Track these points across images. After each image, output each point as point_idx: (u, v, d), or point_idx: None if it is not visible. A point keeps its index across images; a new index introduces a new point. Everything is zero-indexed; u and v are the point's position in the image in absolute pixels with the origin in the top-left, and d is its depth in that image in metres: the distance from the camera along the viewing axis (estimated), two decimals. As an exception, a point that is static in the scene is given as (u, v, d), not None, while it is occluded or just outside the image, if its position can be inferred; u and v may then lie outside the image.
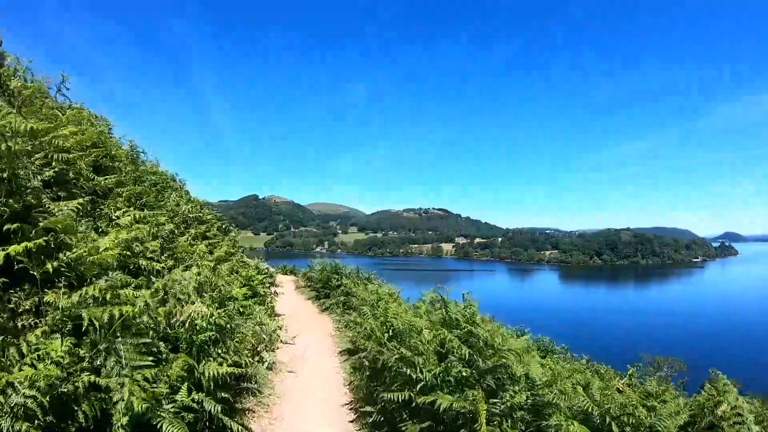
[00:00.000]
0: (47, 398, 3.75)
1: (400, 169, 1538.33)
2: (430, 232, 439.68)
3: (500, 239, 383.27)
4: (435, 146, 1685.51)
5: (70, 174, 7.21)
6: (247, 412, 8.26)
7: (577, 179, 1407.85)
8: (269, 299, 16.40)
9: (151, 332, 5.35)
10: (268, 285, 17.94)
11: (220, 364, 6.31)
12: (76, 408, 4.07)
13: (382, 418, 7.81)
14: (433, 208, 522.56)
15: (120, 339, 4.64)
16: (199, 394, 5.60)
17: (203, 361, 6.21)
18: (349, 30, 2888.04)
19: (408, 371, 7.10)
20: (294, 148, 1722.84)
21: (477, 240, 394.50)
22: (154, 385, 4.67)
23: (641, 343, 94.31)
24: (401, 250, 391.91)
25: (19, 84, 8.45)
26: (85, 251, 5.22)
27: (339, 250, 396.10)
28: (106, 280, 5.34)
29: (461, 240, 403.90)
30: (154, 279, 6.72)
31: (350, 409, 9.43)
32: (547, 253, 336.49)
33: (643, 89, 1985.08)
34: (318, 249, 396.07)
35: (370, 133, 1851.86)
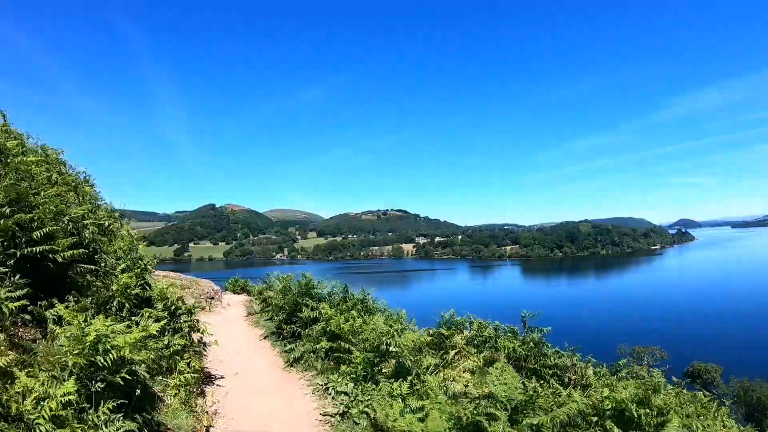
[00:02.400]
0: None
1: (356, 173, 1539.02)
2: (389, 234, 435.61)
3: (460, 237, 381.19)
4: (391, 148, 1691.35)
5: None
6: None
7: (534, 175, 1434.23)
8: (190, 354, 9.71)
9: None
10: (189, 325, 10.72)
11: None
12: None
13: None
14: (392, 210, 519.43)
15: None
16: None
17: None
18: (301, 32, 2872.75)
19: None
20: (249, 156, 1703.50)
21: (437, 239, 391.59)
22: None
23: (616, 334, 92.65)
24: (362, 253, 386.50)
25: None
26: None
27: (299, 256, 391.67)
28: None
29: (421, 240, 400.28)
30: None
31: None
32: (508, 248, 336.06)
33: (596, 88, 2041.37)
34: (278, 256, 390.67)
35: (325, 138, 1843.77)
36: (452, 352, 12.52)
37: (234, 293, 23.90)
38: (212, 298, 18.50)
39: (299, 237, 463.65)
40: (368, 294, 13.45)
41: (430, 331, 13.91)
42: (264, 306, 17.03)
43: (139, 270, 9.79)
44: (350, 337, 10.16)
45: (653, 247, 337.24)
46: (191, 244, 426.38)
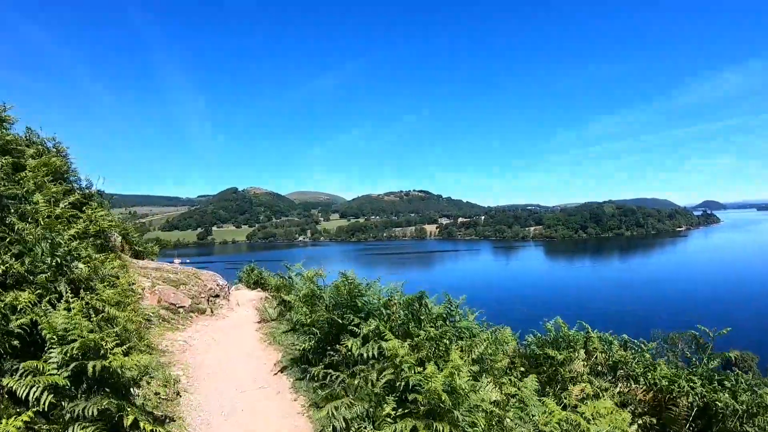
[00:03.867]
0: None
1: (378, 154, 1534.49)
2: (412, 215, 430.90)
3: (483, 218, 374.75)
4: (413, 129, 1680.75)
5: None
6: None
7: (556, 156, 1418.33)
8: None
9: None
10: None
11: None
12: None
13: None
14: (414, 191, 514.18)
15: None
16: None
17: None
18: (322, 16, 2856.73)
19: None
20: (271, 139, 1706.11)
21: (460, 220, 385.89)
22: None
23: (649, 317, 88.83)
24: (384, 234, 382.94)
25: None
26: None
27: (322, 238, 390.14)
28: None
29: (444, 221, 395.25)
30: None
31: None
32: (532, 229, 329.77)
33: (620, 70, 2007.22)
34: (301, 238, 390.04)
35: (345, 120, 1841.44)
36: (575, 391, 8.01)
37: (247, 287, 19.22)
38: (217, 296, 14.12)
39: (322, 219, 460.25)
40: (456, 305, 8.17)
41: (529, 350, 9.44)
42: (282, 310, 12.45)
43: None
44: (451, 406, 5.02)
45: (678, 229, 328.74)
46: (214, 228, 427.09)
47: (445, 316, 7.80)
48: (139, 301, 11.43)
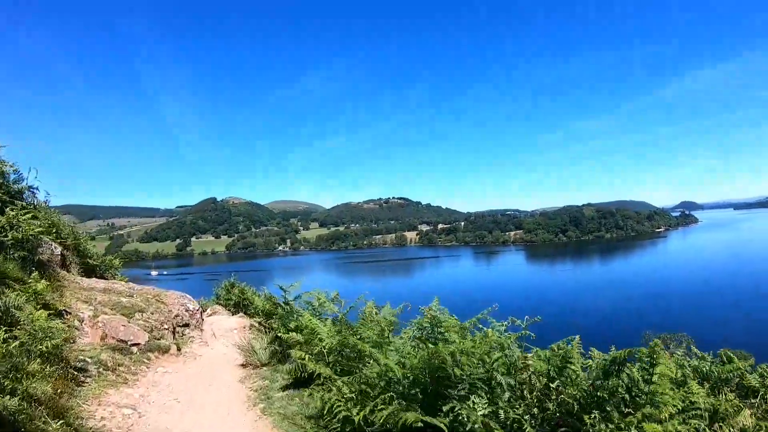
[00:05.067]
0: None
1: (357, 162, 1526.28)
2: (392, 222, 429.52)
3: (463, 223, 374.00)
4: (389, 136, 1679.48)
5: None
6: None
7: (534, 160, 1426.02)
8: None
9: None
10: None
11: None
12: None
13: None
14: (393, 198, 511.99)
15: None
16: None
17: None
18: (298, 22, 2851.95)
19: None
20: (248, 148, 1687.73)
21: (440, 226, 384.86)
22: None
23: (638, 320, 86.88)
24: (365, 242, 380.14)
25: None
26: None
27: (302, 247, 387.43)
28: None
29: (424, 227, 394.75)
30: None
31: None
32: (512, 233, 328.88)
33: (594, 70, 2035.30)
34: (281, 248, 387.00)
35: (323, 128, 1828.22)
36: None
37: (226, 309, 15.35)
38: (186, 325, 10.63)
39: (301, 228, 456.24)
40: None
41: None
42: (276, 350, 8.72)
43: None
44: None
45: (657, 230, 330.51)
46: (193, 239, 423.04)
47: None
48: (73, 339, 8.00)
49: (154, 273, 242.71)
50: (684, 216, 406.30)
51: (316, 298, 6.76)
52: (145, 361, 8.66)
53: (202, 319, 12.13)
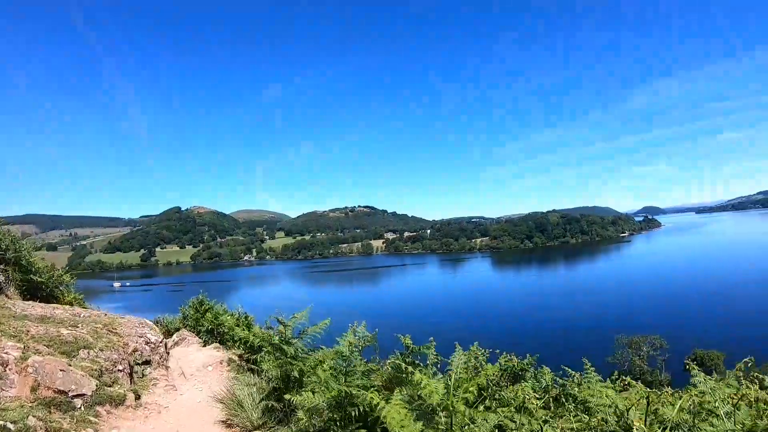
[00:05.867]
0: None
1: (322, 172, 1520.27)
2: (358, 231, 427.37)
3: (429, 231, 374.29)
4: (356, 146, 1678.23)
5: None
6: None
7: (500, 168, 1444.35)
8: None
9: None
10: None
11: None
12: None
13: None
14: (359, 207, 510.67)
15: None
16: None
17: None
18: (265, 31, 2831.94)
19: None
20: (214, 157, 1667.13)
21: (406, 234, 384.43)
22: None
23: (610, 323, 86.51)
24: (331, 251, 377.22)
25: None
26: None
27: (268, 257, 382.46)
28: None
29: (390, 235, 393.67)
30: None
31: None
32: (478, 240, 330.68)
33: (559, 82, 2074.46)
34: (246, 257, 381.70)
35: (290, 137, 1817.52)
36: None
37: (197, 336, 12.49)
38: (146, 362, 8.29)
39: (267, 237, 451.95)
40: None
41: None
42: (273, 405, 6.33)
43: None
44: None
45: (621, 235, 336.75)
46: (158, 249, 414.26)
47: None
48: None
49: (116, 285, 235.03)
50: (647, 220, 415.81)
51: (347, 344, 4.67)
52: (92, 420, 6.37)
53: (167, 353, 9.74)
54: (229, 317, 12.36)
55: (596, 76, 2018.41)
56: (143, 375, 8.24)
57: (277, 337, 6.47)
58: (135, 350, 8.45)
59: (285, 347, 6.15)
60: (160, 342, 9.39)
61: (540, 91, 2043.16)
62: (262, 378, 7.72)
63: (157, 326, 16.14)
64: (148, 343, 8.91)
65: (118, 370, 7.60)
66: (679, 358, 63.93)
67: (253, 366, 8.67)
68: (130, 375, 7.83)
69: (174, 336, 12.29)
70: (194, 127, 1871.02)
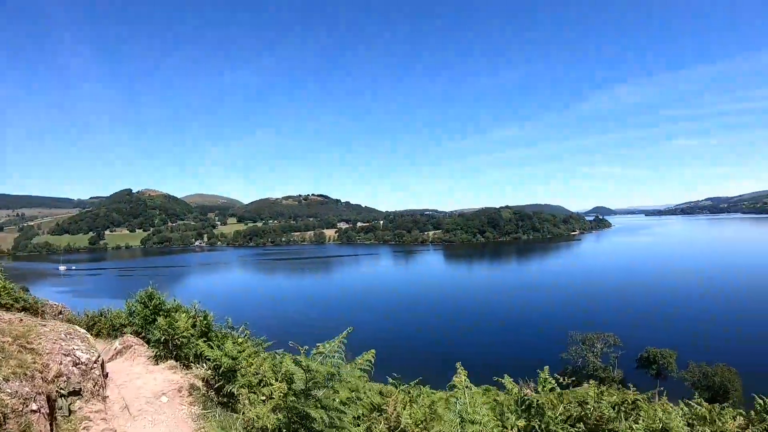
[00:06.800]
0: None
1: (277, 158, 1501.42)
2: (311, 219, 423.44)
3: (382, 222, 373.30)
4: (312, 134, 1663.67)
5: None
6: None
7: (454, 163, 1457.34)
8: None
9: None
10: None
11: None
12: None
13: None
14: (313, 195, 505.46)
15: None
16: None
17: None
18: (227, 14, 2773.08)
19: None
20: (167, 139, 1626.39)
21: (359, 224, 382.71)
22: None
23: (563, 320, 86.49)
24: (283, 239, 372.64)
25: None
26: None
27: (219, 243, 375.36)
28: None
29: (343, 225, 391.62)
30: None
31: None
32: (430, 233, 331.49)
33: (515, 82, 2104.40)
34: (197, 243, 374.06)
35: (246, 122, 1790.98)
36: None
37: (146, 347, 9.50)
38: (75, 392, 5.83)
39: (219, 223, 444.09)
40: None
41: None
42: None
43: None
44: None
45: (573, 233, 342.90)
46: (107, 232, 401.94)
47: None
48: None
49: (62, 268, 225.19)
50: (598, 220, 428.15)
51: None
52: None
53: (105, 376, 7.17)
54: (184, 315, 9.92)
55: (555, 78, 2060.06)
56: (69, 413, 5.77)
57: (301, 383, 4.15)
58: (59, 375, 5.98)
59: (315, 413, 3.84)
60: (95, 361, 6.80)
61: (498, 90, 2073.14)
62: (243, 420, 5.38)
63: (100, 322, 13.41)
64: (77, 363, 6.38)
65: (32, 410, 5.14)
66: (632, 355, 64.47)
67: (225, 400, 6.28)
68: (51, 415, 5.39)
69: (116, 343, 9.61)
70: (149, 107, 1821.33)
